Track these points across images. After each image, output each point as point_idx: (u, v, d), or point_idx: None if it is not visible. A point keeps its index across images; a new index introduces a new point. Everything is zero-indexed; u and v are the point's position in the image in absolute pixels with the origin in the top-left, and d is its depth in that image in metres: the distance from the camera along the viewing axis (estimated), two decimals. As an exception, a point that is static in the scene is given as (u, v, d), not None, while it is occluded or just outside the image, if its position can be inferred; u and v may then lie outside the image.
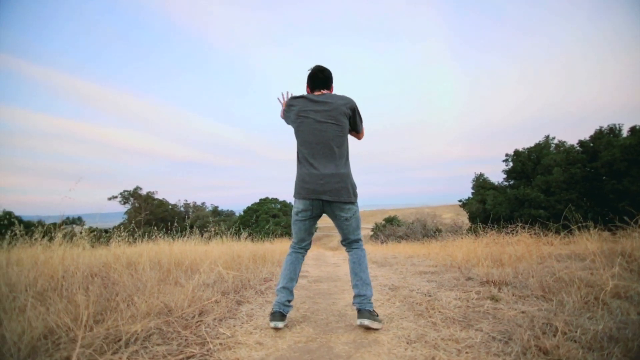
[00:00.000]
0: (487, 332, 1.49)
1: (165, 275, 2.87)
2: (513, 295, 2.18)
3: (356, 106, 1.77)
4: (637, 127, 18.62)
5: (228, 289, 2.49)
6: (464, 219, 29.53)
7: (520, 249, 4.95)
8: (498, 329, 1.53)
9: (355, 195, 1.73)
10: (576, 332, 1.40)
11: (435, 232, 28.37)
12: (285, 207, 42.10)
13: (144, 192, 57.26)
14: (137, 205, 55.76)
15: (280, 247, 7.56)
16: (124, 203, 55.48)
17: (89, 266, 2.85)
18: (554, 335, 1.39)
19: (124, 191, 55.97)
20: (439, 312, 1.83)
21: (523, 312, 1.77)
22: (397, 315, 1.81)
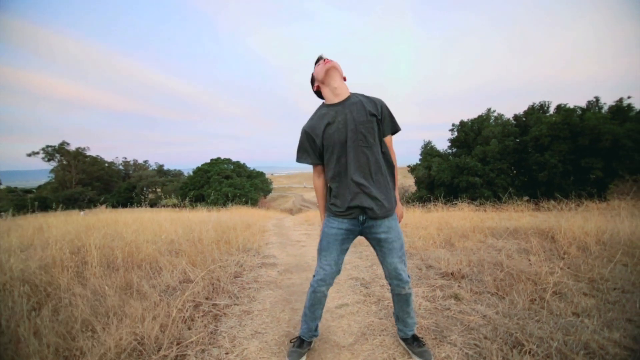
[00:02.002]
0: (460, 347, 1.65)
1: (123, 279, 2.63)
2: (471, 291, 2.44)
3: None
4: (562, 106, 21.01)
5: (198, 295, 2.37)
6: (410, 182, 31.80)
7: (466, 224, 5.51)
8: (468, 341, 1.71)
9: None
10: (534, 344, 1.62)
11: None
12: (239, 167, 40.82)
13: (72, 147, 50.52)
14: (65, 162, 49.38)
15: (240, 221, 7.39)
16: (48, 160, 48.75)
17: (24, 273, 2.47)
18: (517, 350, 1.59)
19: (47, 146, 48.90)
20: (414, 320, 1.96)
21: (484, 317, 1.99)
22: (377, 327, 1.91)
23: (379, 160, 1.48)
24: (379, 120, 1.50)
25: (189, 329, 1.85)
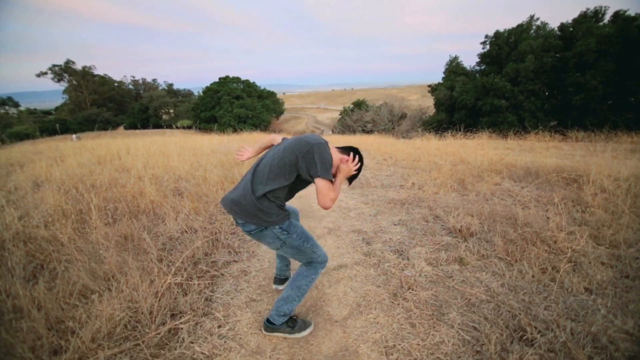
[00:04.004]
0: (457, 329, 1.59)
1: (126, 229, 2.64)
2: (478, 254, 2.32)
3: None
4: (621, 13, 17.64)
5: (198, 251, 2.37)
6: (429, 102, 29.95)
7: (483, 161, 5.20)
8: (467, 322, 1.64)
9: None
10: (537, 331, 1.53)
11: (400, 118, 28.94)
12: (249, 87, 39.12)
13: (78, 66, 49.00)
14: (75, 82, 48.60)
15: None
16: (58, 80, 48.01)
17: (27, 227, 2.50)
18: (517, 336, 1.51)
19: (54, 66, 47.59)
20: (412, 290, 1.90)
21: (488, 290, 1.90)
22: (373, 298, 1.87)
23: None
24: None
25: (185, 294, 1.87)
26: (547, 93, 19.95)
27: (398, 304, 1.79)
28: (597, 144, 9.19)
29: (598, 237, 2.46)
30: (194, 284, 1.96)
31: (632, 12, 16.91)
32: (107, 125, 39.34)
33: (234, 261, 2.35)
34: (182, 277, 1.99)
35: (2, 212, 2.79)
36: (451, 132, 10.10)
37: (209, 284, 2.01)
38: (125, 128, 40.30)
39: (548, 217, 2.82)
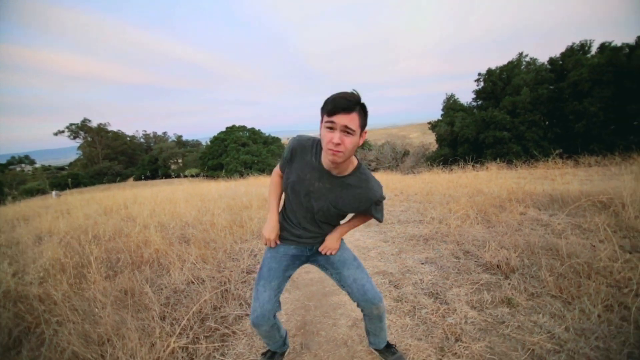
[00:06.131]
0: (529, 393, 1.27)
1: (126, 282, 2.39)
2: (526, 292, 2.02)
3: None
4: (607, 44, 18.47)
5: (206, 305, 2.10)
6: (430, 139, 30.45)
7: (501, 192, 4.96)
8: (538, 381, 1.32)
9: None
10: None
11: (404, 155, 29.32)
12: (254, 134, 40.48)
13: (94, 124, 51.77)
14: (89, 139, 50.94)
15: (256, 194, 7.14)
16: (74, 138, 50.42)
17: (19, 285, 2.28)
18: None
19: (71, 124, 50.36)
20: (461, 342, 1.59)
21: (551, 336, 1.59)
22: (416, 354, 1.56)
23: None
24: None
25: (191, 360, 1.58)
26: (547, 122, 20.20)
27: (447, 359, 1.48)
28: (611, 167, 8.95)
29: (660, 265, 2.15)
30: (202, 347, 1.67)
31: (617, 42, 17.68)
32: (117, 177, 40.31)
33: (247, 315, 2.06)
34: (187, 337, 1.72)
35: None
36: (458, 165, 10.00)
37: (218, 345, 1.72)
38: (135, 179, 41.21)
39: (594, 246, 2.53)
